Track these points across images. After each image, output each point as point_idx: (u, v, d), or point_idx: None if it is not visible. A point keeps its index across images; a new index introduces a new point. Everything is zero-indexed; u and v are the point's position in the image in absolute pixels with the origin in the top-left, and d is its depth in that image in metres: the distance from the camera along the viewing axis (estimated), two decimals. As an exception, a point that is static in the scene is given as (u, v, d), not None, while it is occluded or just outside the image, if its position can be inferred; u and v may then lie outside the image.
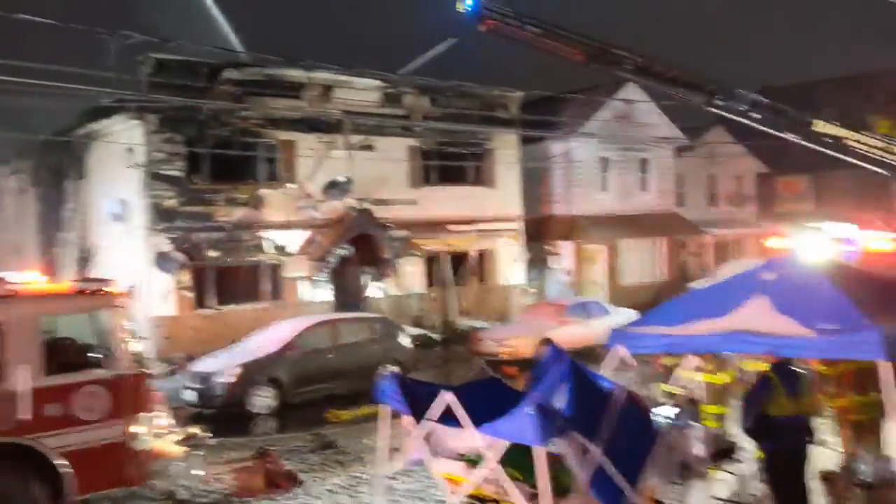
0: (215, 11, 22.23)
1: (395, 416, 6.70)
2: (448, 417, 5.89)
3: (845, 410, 9.01)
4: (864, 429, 9.15)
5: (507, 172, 26.40)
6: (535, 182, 28.42)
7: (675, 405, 8.16)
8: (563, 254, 28.67)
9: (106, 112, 20.99)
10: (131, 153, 20.32)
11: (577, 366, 6.28)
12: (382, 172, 23.42)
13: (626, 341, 7.56)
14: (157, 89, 19.89)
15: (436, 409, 5.87)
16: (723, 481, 8.95)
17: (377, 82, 23.44)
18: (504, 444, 5.45)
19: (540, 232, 28.86)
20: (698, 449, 7.72)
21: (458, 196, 25.36)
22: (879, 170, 18.60)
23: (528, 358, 16.86)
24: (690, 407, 8.04)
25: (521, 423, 5.15)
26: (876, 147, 18.13)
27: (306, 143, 22.43)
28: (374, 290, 23.68)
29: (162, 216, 20.53)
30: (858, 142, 18.20)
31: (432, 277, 25.13)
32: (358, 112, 22.94)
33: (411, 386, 6.61)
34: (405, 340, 17.27)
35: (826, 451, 10.48)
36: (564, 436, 5.33)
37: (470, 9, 16.90)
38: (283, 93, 22.08)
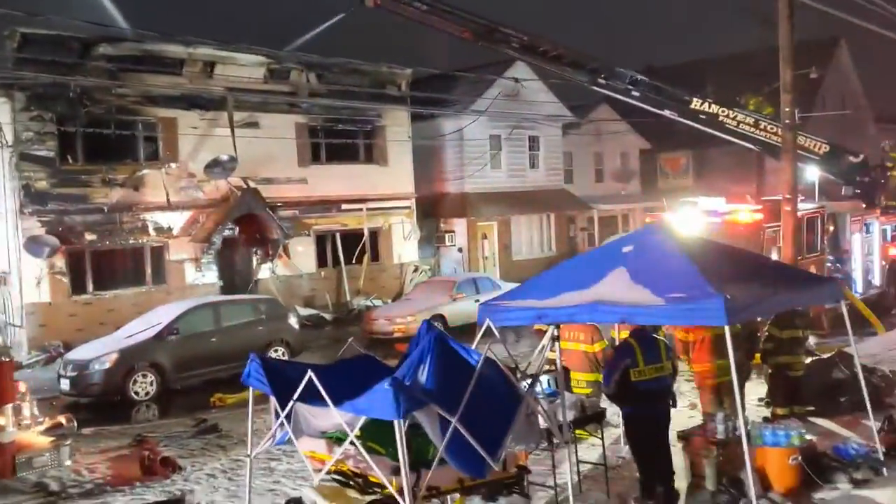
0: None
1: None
2: (314, 396, 5.89)
3: (703, 374, 9.55)
4: (722, 391, 9.75)
5: (398, 150, 26.39)
6: (427, 160, 28.54)
7: (548, 373, 8.46)
8: (457, 231, 28.96)
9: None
10: (-2, 133, 19.22)
11: (444, 339, 6.37)
12: (269, 150, 22.98)
13: (495, 315, 7.76)
14: (23, 65, 18.85)
15: (300, 388, 5.87)
16: (592, 446, 9.39)
17: (261, 58, 22.89)
18: (360, 420, 5.51)
19: (433, 209, 29.06)
20: (567, 416, 8.04)
21: (350, 174, 25.18)
22: (749, 145, 19.65)
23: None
24: (562, 375, 8.33)
25: (379, 399, 5.21)
26: (747, 123, 19.13)
27: (188, 121, 21.74)
28: (264, 271, 23.30)
29: (33, 198, 19.54)
30: (732, 118, 19.16)
31: (324, 257, 24.92)
32: (242, 89, 22.38)
33: (277, 367, 6.57)
34: (293, 321, 17.11)
35: (688, 413, 11.14)
36: (423, 408, 5.43)
37: (358, -16, 16.80)
38: (162, 69, 21.27)
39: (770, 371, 10.42)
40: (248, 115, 22.69)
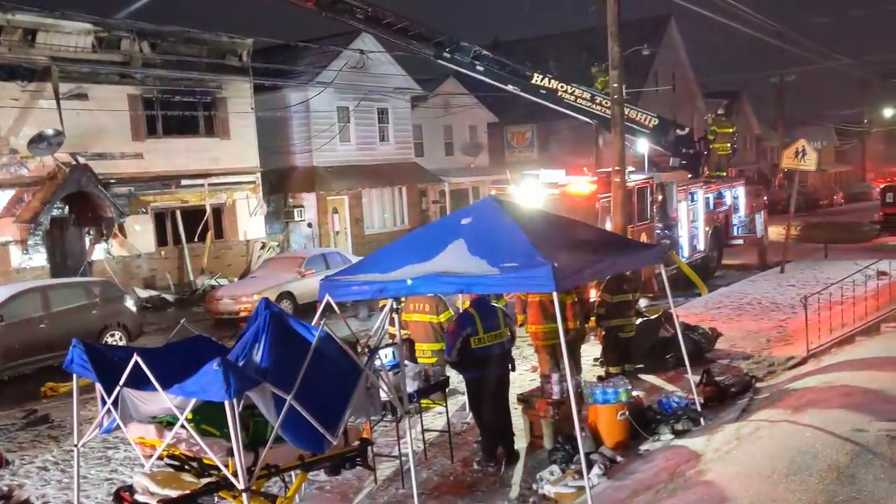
0: None
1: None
2: (143, 381, 5.67)
3: (537, 335, 9.98)
4: (558, 352, 10.21)
5: (241, 123, 25.54)
6: (274, 132, 27.84)
7: (391, 345, 8.55)
8: (306, 205, 28.50)
9: None
10: None
11: (281, 317, 6.29)
12: (101, 124, 21.66)
13: (336, 290, 7.73)
14: None
15: (126, 373, 5.63)
16: (438, 414, 9.61)
17: (89, 26, 21.42)
18: (191, 402, 5.36)
19: (281, 184, 28.45)
20: (410, 386, 8.17)
21: (189, 148, 24.16)
22: (587, 119, 20.54)
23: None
24: (401, 348, 8.44)
25: (208, 380, 5.08)
26: (584, 98, 19.94)
27: (7, 93, 20.07)
28: (98, 252, 22.02)
29: None
30: (570, 94, 19.91)
31: (164, 236, 23.87)
32: (68, 59, 20.89)
33: (103, 352, 6.26)
34: (130, 304, 16.29)
35: (529, 376, 11.62)
36: (256, 387, 5.35)
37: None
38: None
39: (603, 333, 11.03)
40: (75, 87, 21.23)
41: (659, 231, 18.60)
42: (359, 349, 6.77)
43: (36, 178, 20.63)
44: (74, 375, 6.21)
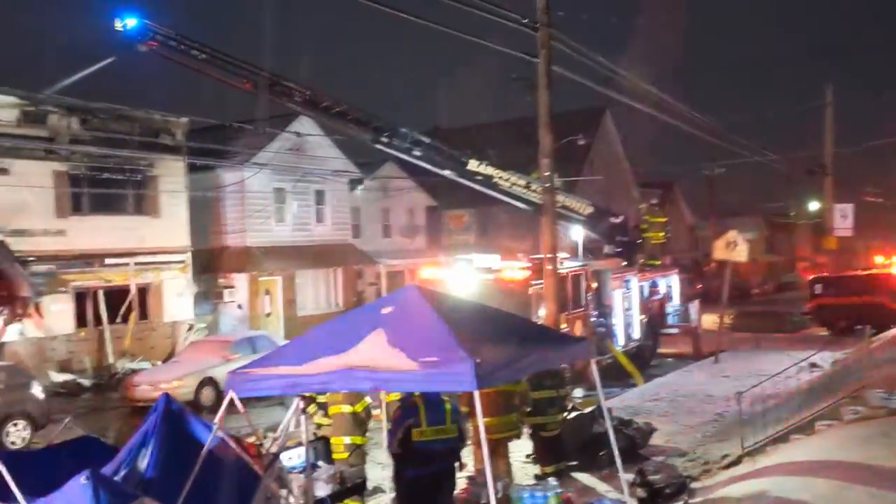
0: None
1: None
2: (7, 490, 4.99)
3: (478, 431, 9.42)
4: (495, 449, 9.68)
5: (172, 201, 24.88)
6: (205, 212, 27.20)
7: (301, 444, 7.92)
8: (238, 286, 27.69)
9: None
10: None
11: (176, 417, 5.71)
12: (21, 199, 20.80)
13: (244, 385, 7.14)
14: None
15: (-15, 483, 4.94)
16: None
17: (13, 99, 20.79)
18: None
19: (212, 264, 27.63)
20: (322, 490, 7.54)
21: (115, 226, 23.33)
22: (522, 205, 20.56)
23: (187, 401, 15.86)
24: (319, 445, 7.85)
25: (75, 495, 4.47)
26: (519, 185, 20.00)
27: (-79, 165, 19.18)
28: (12, 333, 20.74)
29: None
30: (505, 180, 19.98)
31: (84, 316, 22.75)
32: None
33: (-33, 457, 5.55)
34: (37, 390, 15.22)
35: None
36: (132, 501, 4.73)
37: (129, 28, 15.71)
38: None
39: (530, 431, 10.59)
40: (-4, 161, 20.43)
41: (594, 319, 18.45)
42: (262, 451, 6.19)
43: (-54, 255, 19.50)
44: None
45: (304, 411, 7.21)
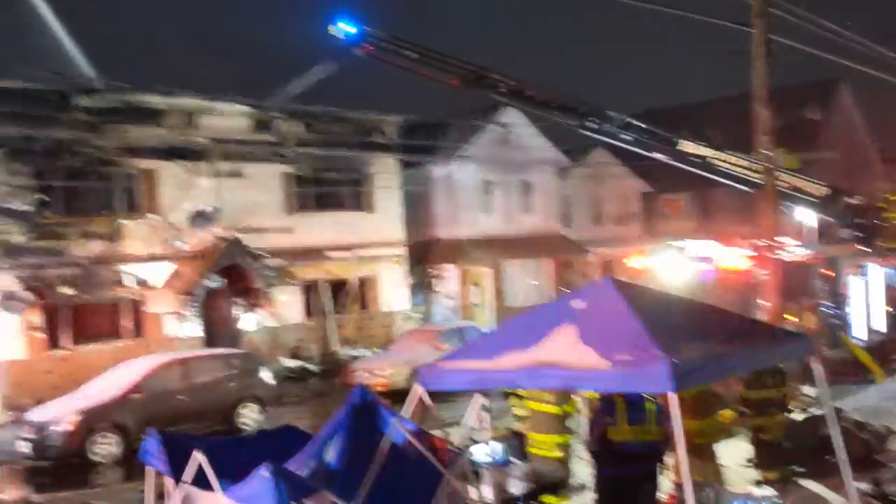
0: (61, 34, 20.99)
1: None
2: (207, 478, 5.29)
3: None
4: (700, 454, 9.01)
5: (387, 197, 25.99)
6: (418, 206, 28.13)
7: (498, 440, 7.80)
8: (448, 277, 28.38)
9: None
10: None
11: (366, 410, 5.78)
12: (254, 200, 22.65)
13: (432, 378, 7.12)
14: (-1, 120, 18.65)
15: (190, 469, 5.27)
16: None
17: (245, 108, 22.67)
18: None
19: (424, 256, 28.52)
20: (516, 487, 7.37)
21: (337, 222, 24.77)
22: (741, 186, 19.09)
23: (400, 388, 16.42)
24: (514, 441, 7.68)
25: (256, 487, 4.62)
26: (740, 166, 18.60)
27: (169, 172, 21.45)
28: (249, 322, 22.75)
29: (9, 253, 19.15)
30: (723, 160, 18.67)
31: (311, 306, 24.38)
32: (225, 139, 22.10)
33: (181, 442, 5.98)
34: (266, 376, 16.47)
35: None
36: (313, 496, 4.82)
37: (348, 34, 16.58)
38: (141, 120, 21.04)
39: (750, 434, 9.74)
40: (232, 166, 22.39)
41: (826, 310, 16.76)
42: (450, 446, 6.12)
43: (193, 252, 21.72)
44: (146, 468, 5.94)
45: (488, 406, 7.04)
